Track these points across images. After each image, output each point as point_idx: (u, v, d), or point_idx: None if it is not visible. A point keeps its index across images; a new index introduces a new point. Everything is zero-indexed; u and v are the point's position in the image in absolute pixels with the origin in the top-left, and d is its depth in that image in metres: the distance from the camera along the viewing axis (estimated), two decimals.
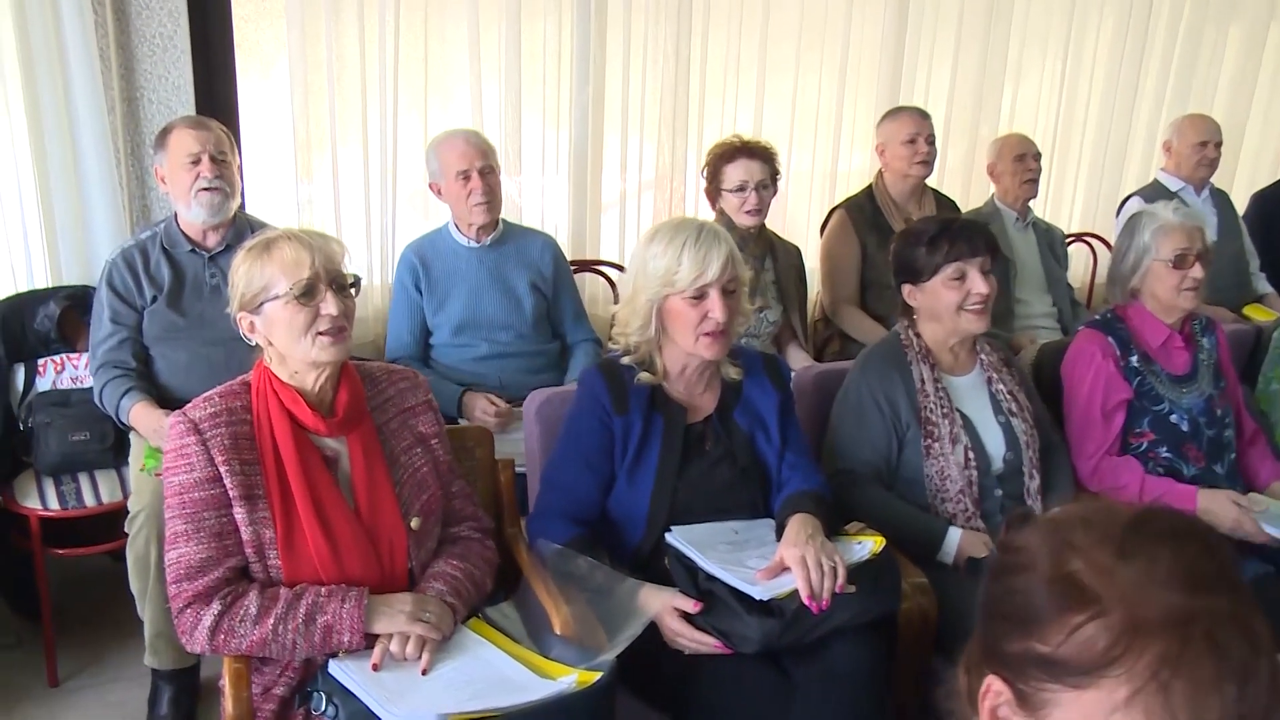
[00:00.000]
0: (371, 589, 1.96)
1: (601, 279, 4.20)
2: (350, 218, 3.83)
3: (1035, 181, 4.12)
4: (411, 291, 3.36)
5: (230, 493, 1.91)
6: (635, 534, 2.26)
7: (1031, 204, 4.21)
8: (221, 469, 1.91)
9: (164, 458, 1.96)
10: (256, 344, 2.03)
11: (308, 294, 1.94)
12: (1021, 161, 4.07)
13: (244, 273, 1.98)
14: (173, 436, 1.94)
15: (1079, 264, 4.94)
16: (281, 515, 1.93)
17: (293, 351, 1.98)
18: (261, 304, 1.96)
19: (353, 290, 2.03)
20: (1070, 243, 4.66)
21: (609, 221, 4.30)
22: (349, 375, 2.08)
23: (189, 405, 1.97)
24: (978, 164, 4.79)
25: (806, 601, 2.02)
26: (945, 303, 2.58)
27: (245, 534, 1.92)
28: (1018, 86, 4.87)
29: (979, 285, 2.54)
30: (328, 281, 1.96)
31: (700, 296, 2.21)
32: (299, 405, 1.99)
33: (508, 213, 3.59)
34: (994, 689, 0.96)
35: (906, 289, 2.67)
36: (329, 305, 1.95)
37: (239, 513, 1.92)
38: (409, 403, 2.18)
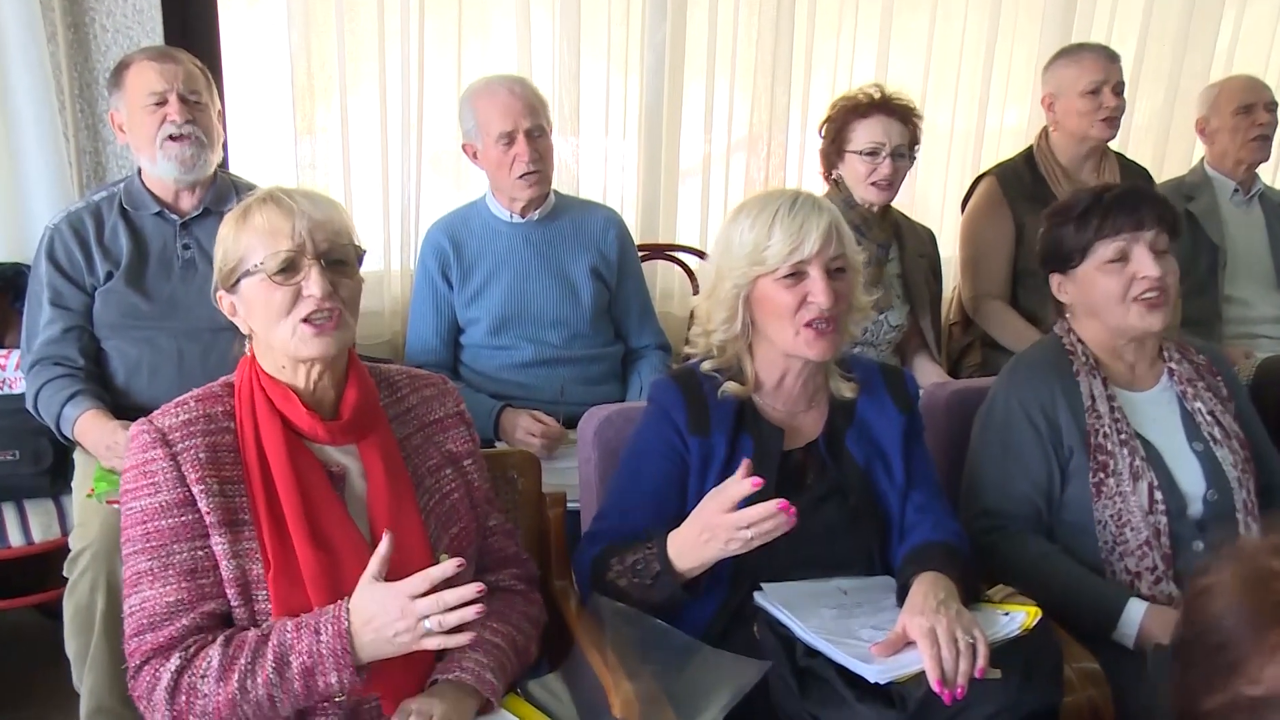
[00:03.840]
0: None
1: (678, 268, 4.23)
2: (363, 184, 3.89)
3: (1267, 139, 4.02)
4: (438, 283, 3.41)
5: (207, 519, 1.93)
6: (715, 591, 2.26)
7: (1259, 171, 4.13)
8: (195, 489, 1.94)
9: (124, 477, 1.98)
10: (245, 335, 2.07)
11: (287, 269, 1.97)
12: (1248, 114, 3.99)
13: (223, 240, 2.03)
14: (135, 450, 1.97)
15: None
16: (274, 546, 1.94)
17: (273, 340, 2.01)
18: (238, 280, 2.01)
19: (351, 266, 2.05)
20: None
21: (688, 195, 4.33)
22: (358, 370, 2.11)
23: (156, 412, 2.01)
24: (1177, 121, 4.73)
25: (936, 688, 2.00)
26: (1103, 293, 2.57)
27: (226, 570, 1.94)
28: (1241, 15, 4.80)
29: (1147, 267, 2.52)
30: (315, 255, 1.98)
31: (797, 275, 2.24)
32: (292, 404, 2.02)
33: (562, 183, 3.63)
34: None
35: (1055, 280, 2.68)
36: (312, 284, 1.97)
37: (219, 543, 1.94)
38: (435, 414, 2.22)
